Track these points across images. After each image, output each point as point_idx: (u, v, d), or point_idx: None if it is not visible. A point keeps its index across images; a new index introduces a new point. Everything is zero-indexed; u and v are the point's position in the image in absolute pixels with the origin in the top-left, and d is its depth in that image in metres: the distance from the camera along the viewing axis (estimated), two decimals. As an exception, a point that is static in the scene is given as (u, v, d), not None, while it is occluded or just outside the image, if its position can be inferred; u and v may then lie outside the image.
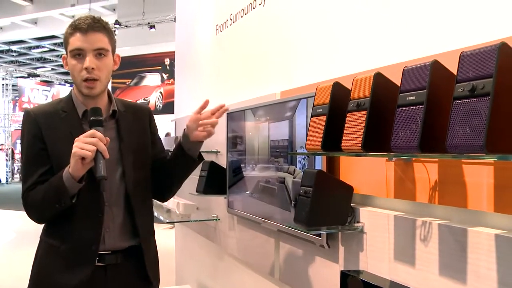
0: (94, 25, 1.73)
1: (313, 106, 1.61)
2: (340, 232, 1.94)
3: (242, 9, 3.04)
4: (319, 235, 2.01)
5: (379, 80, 1.36)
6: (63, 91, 24.10)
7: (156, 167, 1.99)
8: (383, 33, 1.87)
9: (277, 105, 2.28)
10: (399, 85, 1.29)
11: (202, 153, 2.03)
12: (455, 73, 1.09)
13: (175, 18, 4.84)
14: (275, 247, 2.52)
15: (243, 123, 2.68)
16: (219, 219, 3.23)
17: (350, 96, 1.44)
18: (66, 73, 24.25)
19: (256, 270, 2.83)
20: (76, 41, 1.71)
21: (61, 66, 23.63)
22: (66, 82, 26.05)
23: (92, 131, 1.60)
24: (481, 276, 1.36)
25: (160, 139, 2.07)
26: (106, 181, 1.62)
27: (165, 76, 17.20)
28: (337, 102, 1.53)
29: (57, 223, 1.79)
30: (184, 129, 1.93)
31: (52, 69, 27.58)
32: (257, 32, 2.92)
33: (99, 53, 1.74)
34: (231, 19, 3.18)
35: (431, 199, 1.59)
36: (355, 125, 1.38)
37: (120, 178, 1.83)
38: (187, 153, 1.91)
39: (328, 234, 1.98)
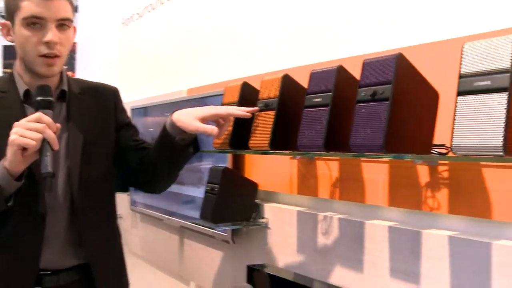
0: None
1: (222, 105, 1.61)
2: (244, 228, 1.96)
3: (150, 4, 2.95)
4: (224, 231, 2.02)
5: (287, 81, 1.40)
6: None
7: (133, 158, 1.53)
8: (291, 36, 1.92)
9: (185, 103, 2.25)
10: (306, 87, 1.33)
11: None
12: (358, 78, 1.15)
13: (76, 9, 4.58)
14: (179, 244, 2.49)
15: (149, 118, 2.61)
16: (121, 217, 3.12)
17: (258, 96, 1.46)
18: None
19: (160, 268, 2.78)
20: (33, 6, 1.31)
21: None
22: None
23: (38, 114, 1.21)
24: (377, 264, 1.45)
25: (133, 125, 1.63)
26: (51, 180, 1.20)
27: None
28: (245, 102, 1.54)
29: None
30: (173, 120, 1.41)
31: None
32: (165, 28, 2.86)
33: (62, 24, 1.35)
34: (138, 14, 3.08)
35: (332, 195, 1.66)
36: (263, 124, 1.40)
37: (66, 176, 1.41)
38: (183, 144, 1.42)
39: (233, 230, 2.00)
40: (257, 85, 1.58)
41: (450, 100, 1.23)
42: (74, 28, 1.44)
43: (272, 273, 1.64)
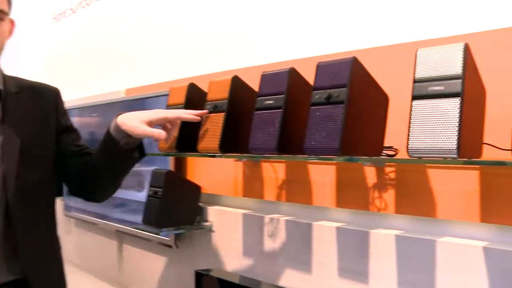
0: None
1: (167, 106, 1.55)
2: (188, 232, 1.90)
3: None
4: (167, 235, 1.95)
5: (236, 83, 1.36)
6: None
7: (75, 164, 1.42)
8: (239, 35, 1.89)
9: (123, 104, 2.15)
10: (255, 89, 1.30)
11: None
12: (309, 80, 1.14)
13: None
14: (118, 250, 2.38)
15: (82, 119, 2.47)
16: (53, 223, 2.94)
17: (206, 98, 1.42)
18: None
19: (98, 275, 2.64)
20: None
21: None
22: None
23: None
24: (325, 265, 1.45)
25: (75, 129, 1.49)
26: None
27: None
28: (191, 104, 1.49)
29: None
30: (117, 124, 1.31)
31: None
32: (101, 24, 2.72)
33: None
34: (71, 9, 2.91)
35: (279, 197, 1.65)
36: (212, 127, 1.36)
37: (0, 181, 1.26)
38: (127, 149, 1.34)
39: (176, 234, 1.94)
40: (203, 86, 1.53)
41: (400, 103, 1.27)
42: (12, 21, 1.33)
43: (221, 277, 1.60)
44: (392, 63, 1.31)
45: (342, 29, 1.52)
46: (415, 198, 1.29)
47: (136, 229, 1.89)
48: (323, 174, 1.50)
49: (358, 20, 1.47)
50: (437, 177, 1.25)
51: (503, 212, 1.15)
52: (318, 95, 1.09)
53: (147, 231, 2.02)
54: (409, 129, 0.95)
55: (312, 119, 1.08)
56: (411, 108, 0.95)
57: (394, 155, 1.28)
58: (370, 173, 1.39)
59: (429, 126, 0.91)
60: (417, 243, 1.26)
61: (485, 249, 1.14)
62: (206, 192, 1.91)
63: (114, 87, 2.43)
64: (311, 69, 1.17)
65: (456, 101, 0.89)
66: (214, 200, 1.94)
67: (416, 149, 0.93)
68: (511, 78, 1.12)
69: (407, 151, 0.95)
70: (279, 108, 1.19)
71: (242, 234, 1.73)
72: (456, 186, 1.22)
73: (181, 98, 1.50)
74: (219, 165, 1.87)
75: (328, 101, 1.06)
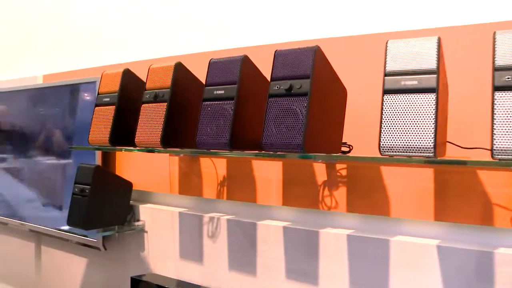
0: None
1: (98, 94, 1.36)
2: (118, 233, 1.72)
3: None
4: (94, 237, 1.76)
5: (180, 70, 1.22)
6: None
7: None
8: (180, 19, 1.73)
9: (40, 91, 1.91)
10: (203, 78, 1.17)
11: None
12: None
13: None
14: (36, 253, 2.12)
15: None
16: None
17: (144, 86, 1.26)
18: None
19: (12, 283, 2.35)
20: None
21: None
22: None
23: None
24: (272, 266, 1.35)
25: None
26: None
27: None
28: (127, 92, 1.32)
29: None
30: None
31: None
32: (11, 2, 2.41)
33: None
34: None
35: (220, 195, 1.53)
36: (151, 118, 1.21)
37: None
38: None
39: (105, 235, 1.75)
40: (140, 74, 1.37)
41: (357, 97, 1.19)
42: None
43: (153, 282, 1.45)
44: (347, 55, 1.23)
45: (301, 17, 1.42)
46: (367, 196, 1.23)
47: (57, 230, 1.67)
48: (268, 170, 1.40)
49: (309, 11, 1.39)
50: (390, 174, 1.20)
51: (457, 210, 1.11)
52: (276, 86, 0.98)
53: (72, 233, 1.81)
54: (380, 126, 0.86)
55: (270, 112, 0.97)
56: (382, 103, 0.87)
57: (348, 152, 1.21)
58: (320, 170, 1.31)
59: (403, 123, 0.84)
60: (369, 242, 1.20)
61: (439, 247, 1.10)
62: (137, 189, 1.75)
63: (29, 72, 2.16)
64: (265, 58, 1.06)
65: (432, 97, 0.83)
66: (147, 197, 1.77)
67: (389, 147, 0.85)
68: (464, 75, 1.08)
69: (379, 149, 0.86)
70: (230, 99, 1.06)
71: (179, 235, 1.59)
72: (410, 184, 1.17)
73: (114, 85, 1.33)
74: (152, 159, 1.71)
75: (289, 92, 0.96)
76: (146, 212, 1.70)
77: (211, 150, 1.10)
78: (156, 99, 1.21)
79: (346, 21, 1.31)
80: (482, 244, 1.08)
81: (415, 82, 0.85)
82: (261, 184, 1.43)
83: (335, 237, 1.25)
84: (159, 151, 1.21)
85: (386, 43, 0.90)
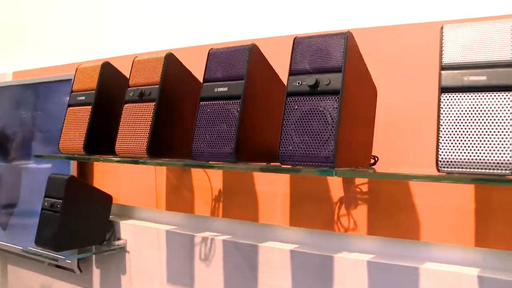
0: None
1: (72, 92, 1.13)
2: (95, 254, 1.49)
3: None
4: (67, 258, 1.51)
5: (172, 63, 0.99)
6: None
7: None
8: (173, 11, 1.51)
9: (11, 89, 1.67)
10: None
11: None
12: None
13: None
14: (1, 273, 1.86)
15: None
16: None
17: (127, 82, 1.03)
18: None
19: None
20: None
21: None
22: None
23: None
24: (277, 299, 1.14)
25: None
26: None
27: None
28: (106, 89, 1.09)
29: None
30: None
31: None
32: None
33: None
34: None
35: (214, 212, 1.30)
36: (136, 121, 0.98)
37: None
38: None
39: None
40: (122, 68, 1.15)
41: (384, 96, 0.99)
42: None
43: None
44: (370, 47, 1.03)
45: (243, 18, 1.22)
46: (392, 216, 1.02)
47: (25, 252, 1.42)
48: (273, 184, 1.19)
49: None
50: (420, 190, 0.99)
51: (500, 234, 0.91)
52: (297, 82, 0.76)
53: (44, 256, 1.56)
54: (438, 134, 0.65)
55: (290, 115, 0.75)
56: (438, 104, 0.66)
57: (373, 164, 0.99)
58: (335, 184, 1.10)
59: (469, 130, 0.63)
60: (394, 270, 0.99)
61: (480, 277, 0.90)
62: (118, 203, 1.51)
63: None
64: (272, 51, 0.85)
65: (507, 98, 0.62)
66: (129, 213, 1.54)
67: (451, 162, 0.64)
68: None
69: (436, 164, 0.65)
70: (236, 98, 0.84)
71: (166, 256, 1.36)
72: (445, 203, 0.96)
73: (91, 81, 1.09)
74: (136, 169, 1.48)
75: (315, 90, 0.74)
76: (128, 230, 1.46)
77: (210, 162, 0.87)
78: (141, 97, 0.98)
79: (369, 10, 1.11)
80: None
81: (483, 78, 0.64)
82: (264, 200, 1.21)
83: (352, 263, 1.04)
84: (144, 163, 0.98)
85: (442, 28, 0.69)
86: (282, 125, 0.75)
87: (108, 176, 1.55)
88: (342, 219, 1.09)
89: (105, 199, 1.46)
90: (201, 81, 0.90)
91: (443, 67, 0.67)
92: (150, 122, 0.95)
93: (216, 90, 0.87)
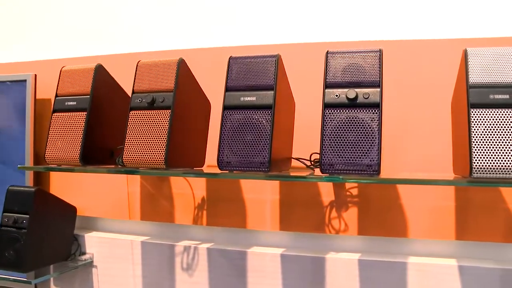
0: None
1: (56, 96, 1.04)
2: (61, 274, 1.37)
3: None
4: (24, 277, 1.38)
5: (183, 66, 0.96)
6: None
7: None
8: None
9: None
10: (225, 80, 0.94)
11: None
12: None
13: None
14: None
15: None
16: None
17: (133, 88, 0.97)
18: None
19: None
20: None
21: None
22: None
23: None
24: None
25: None
26: None
27: None
28: (101, 95, 1.03)
29: None
30: None
31: None
32: None
33: None
34: None
35: (197, 220, 1.28)
36: (147, 131, 0.93)
37: None
38: None
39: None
40: (113, 71, 1.09)
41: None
42: None
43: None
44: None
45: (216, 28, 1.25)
46: (381, 217, 1.10)
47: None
48: (260, 190, 1.20)
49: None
50: (408, 192, 1.08)
51: (479, 228, 1.03)
52: (335, 94, 0.80)
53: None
54: (470, 143, 0.74)
55: (328, 125, 0.79)
56: (468, 119, 0.75)
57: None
58: (326, 189, 1.15)
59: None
60: (384, 266, 1.07)
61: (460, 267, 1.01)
62: (83, 214, 1.41)
63: None
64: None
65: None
66: (94, 225, 1.45)
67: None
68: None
69: (470, 171, 0.73)
70: (266, 107, 0.85)
71: (141, 269, 1.30)
72: (427, 203, 1.06)
73: (85, 86, 1.02)
74: (103, 177, 1.40)
75: (353, 102, 0.78)
76: (94, 243, 1.37)
77: (235, 172, 0.86)
78: (152, 105, 0.94)
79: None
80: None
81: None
82: (252, 206, 1.22)
83: (344, 263, 1.10)
84: (138, 173, 0.94)
85: (465, 51, 0.78)
86: (322, 135, 0.78)
87: (68, 186, 1.44)
88: (333, 221, 1.14)
89: (70, 211, 1.36)
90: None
91: (470, 86, 0.75)
92: (166, 130, 0.92)
93: (242, 99, 0.87)
